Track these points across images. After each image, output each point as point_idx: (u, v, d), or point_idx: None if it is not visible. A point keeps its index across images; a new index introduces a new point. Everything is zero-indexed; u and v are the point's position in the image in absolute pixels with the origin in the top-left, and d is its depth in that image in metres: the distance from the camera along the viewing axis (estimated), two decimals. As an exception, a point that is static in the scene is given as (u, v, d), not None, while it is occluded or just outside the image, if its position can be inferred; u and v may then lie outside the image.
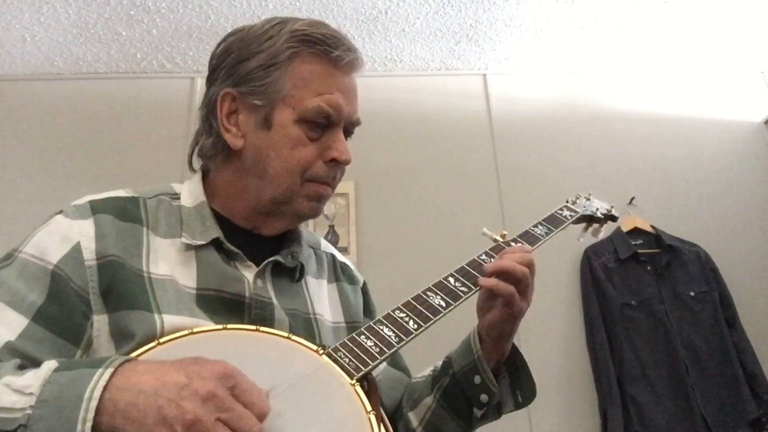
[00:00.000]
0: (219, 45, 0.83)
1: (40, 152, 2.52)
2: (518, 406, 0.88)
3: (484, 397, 0.83)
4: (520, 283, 0.79)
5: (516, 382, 0.87)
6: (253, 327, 0.68)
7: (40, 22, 2.32)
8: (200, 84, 2.62)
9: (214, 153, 0.81)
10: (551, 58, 2.71)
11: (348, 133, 0.83)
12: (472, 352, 0.84)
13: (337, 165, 0.80)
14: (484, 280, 0.80)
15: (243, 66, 0.78)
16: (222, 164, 0.82)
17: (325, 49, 0.78)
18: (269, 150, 0.77)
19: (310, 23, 0.80)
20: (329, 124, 0.79)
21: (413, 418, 0.87)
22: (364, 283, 1.00)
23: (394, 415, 0.90)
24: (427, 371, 0.92)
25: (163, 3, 2.26)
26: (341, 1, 2.30)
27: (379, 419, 0.62)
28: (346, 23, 2.40)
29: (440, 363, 0.90)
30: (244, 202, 0.81)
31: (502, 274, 0.80)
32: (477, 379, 0.83)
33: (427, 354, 0.96)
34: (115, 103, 2.63)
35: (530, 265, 0.81)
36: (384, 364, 0.90)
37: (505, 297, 0.79)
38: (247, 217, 0.82)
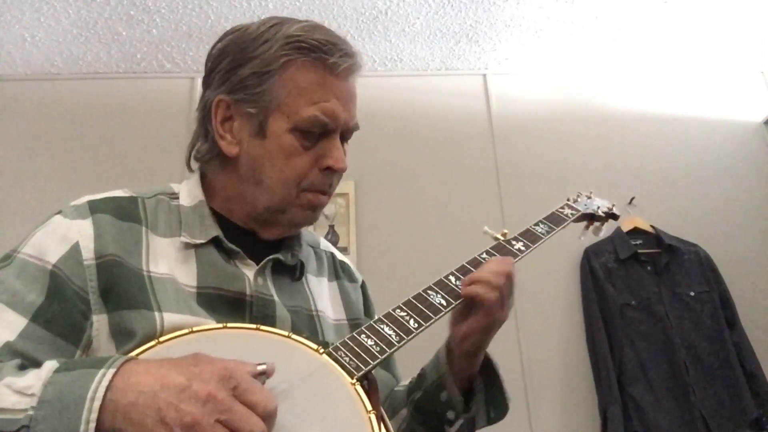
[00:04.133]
0: (215, 45, 0.82)
1: (40, 152, 2.52)
2: (490, 422, 0.85)
3: (450, 414, 0.81)
4: (500, 293, 0.77)
5: (489, 396, 0.84)
6: (254, 326, 0.68)
7: (40, 22, 2.31)
8: (200, 84, 2.61)
9: (209, 158, 0.81)
10: (551, 58, 2.71)
11: (344, 138, 0.82)
12: (441, 367, 0.82)
13: (333, 173, 0.79)
14: (465, 289, 0.77)
15: (237, 72, 0.77)
16: (218, 168, 0.82)
17: (320, 56, 0.76)
18: (264, 159, 0.76)
19: (306, 27, 0.78)
20: (325, 131, 0.77)
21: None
22: (363, 283, 0.99)
23: None
24: (408, 380, 0.91)
25: (163, 3, 2.26)
26: (341, 1, 2.30)
27: (380, 419, 0.62)
28: (346, 23, 2.40)
29: (417, 374, 0.89)
30: (241, 207, 0.81)
31: (481, 285, 0.77)
32: (444, 396, 0.81)
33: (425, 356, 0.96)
34: (115, 103, 2.63)
35: (509, 276, 0.78)
36: None
37: (486, 303, 0.76)
38: (245, 220, 0.82)
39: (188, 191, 0.82)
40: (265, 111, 0.76)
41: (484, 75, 2.77)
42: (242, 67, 0.77)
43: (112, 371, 0.52)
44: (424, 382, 0.85)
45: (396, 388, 0.92)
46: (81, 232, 0.70)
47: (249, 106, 0.76)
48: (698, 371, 2.13)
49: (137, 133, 2.58)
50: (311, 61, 0.76)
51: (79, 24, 2.34)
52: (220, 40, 0.82)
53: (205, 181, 0.84)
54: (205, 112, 0.81)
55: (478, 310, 0.78)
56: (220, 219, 0.80)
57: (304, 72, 0.76)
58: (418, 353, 0.89)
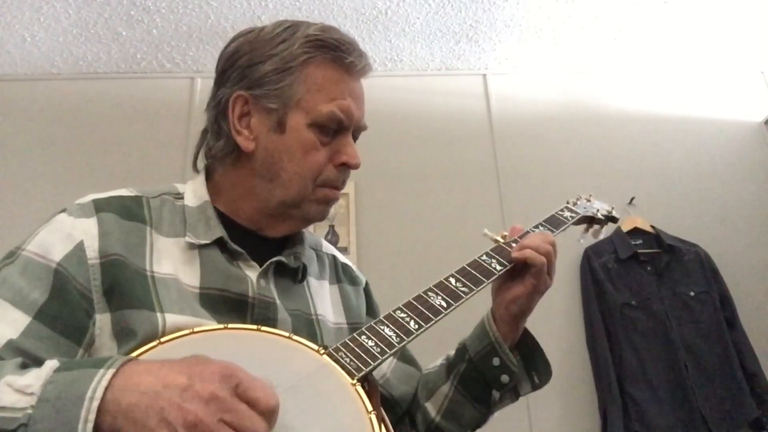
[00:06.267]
0: (227, 46, 0.84)
1: (40, 152, 2.52)
2: (535, 387, 0.90)
3: (504, 378, 0.84)
4: (547, 258, 0.84)
5: (530, 363, 0.89)
6: (255, 327, 0.68)
7: (40, 22, 2.31)
8: (200, 84, 2.61)
9: (224, 155, 0.81)
10: (551, 58, 2.71)
11: (354, 137, 0.84)
12: (488, 335, 0.85)
13: (347, 169, 0.82)
14: (517, 253, 0.83)
15: (256, 69, 0.79)
16: (230, 166, 0.82)
17: (340, 54, 0.79)
18: (282, 154, 0.78)
19: (323, 28, 0.81)
20: (340, 128, 0.80)
21: (431, 408, 0.88)
22: (367, 284, 1.00)
23: (410, 408, 0.90)
24: (439, 361, 0.93)
25: (163, 3, 2.26)
26: (341, 1, 2.30)
27: (380, 419, 0.62)
28: (346, 23, 2.40)
29: (453, 351, 0.91)
30: (251, 204, 0.81)
31: (531, 250, 0.83)
32: (496, 361, 0.84)
33: (430, 353, 0.96)
34: (115, 103, 2.63)
35: (553, 246, 0.85)
36: (393, 360, 0.90)
37: (537, 266, 0.82)
38: (252, 218, 0.82)
39: (194, 191, 0.83)
40: (284, 106, 0.78)
41: (484, 75, 2.77)
42: (262, 64, 0.78)
43: (111, 371, 0.52)
44: (466, 354, 0.87)
45: (426, 371, 0.94)
46: (85, 231, 0.71)
47: (268, 101, 0.78)
48: (698, 371, 2.13)
49: (137, 133, 2.58)
50: (331, 59, 0.79)
51: (79, 24, 2.34)
52: (232, 41, 0.84)
53: (210, 182, 0.84)
54: (219, 109, 0.81)
55: (527, 274, 0.84)
56: (225, 220, 0.80)
57: (323, 69, 0.79)
58: (425, 349, 0.89)
